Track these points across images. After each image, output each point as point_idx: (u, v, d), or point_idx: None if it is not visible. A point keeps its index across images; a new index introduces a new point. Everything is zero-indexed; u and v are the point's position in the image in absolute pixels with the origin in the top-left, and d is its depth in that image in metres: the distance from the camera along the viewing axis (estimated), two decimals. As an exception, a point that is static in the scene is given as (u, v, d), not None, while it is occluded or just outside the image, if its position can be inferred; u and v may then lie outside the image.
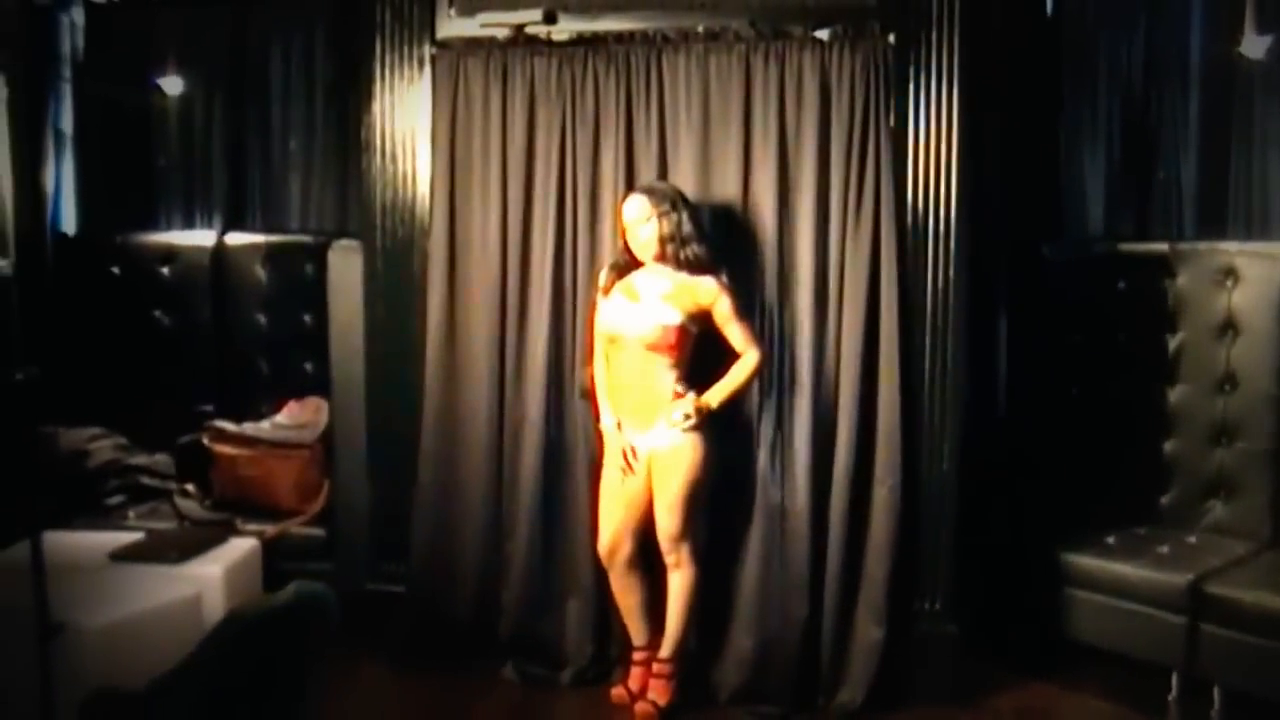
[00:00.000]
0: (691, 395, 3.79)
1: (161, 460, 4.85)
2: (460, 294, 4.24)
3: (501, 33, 4.15)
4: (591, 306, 4.02)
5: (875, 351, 3.94)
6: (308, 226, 5.37)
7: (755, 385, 3.94)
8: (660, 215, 3.79)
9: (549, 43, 4.12)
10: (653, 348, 3.78)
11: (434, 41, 4.22)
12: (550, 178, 4.13)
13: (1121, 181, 4.74)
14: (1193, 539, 4.26)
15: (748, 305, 3.92)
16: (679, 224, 3.79)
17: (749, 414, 4.01)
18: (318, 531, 4.52)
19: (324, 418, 4.67)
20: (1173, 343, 4.40)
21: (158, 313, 5.19)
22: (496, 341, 4.21)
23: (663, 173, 4.05)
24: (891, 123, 3.89)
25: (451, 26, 4.21)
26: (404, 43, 4.24)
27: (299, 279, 4.99)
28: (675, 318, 3.77)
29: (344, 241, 4.45)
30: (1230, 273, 4.28)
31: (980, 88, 3.95)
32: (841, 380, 3.96)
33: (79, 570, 3.87)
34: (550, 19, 4.11)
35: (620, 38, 4.08)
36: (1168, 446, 4.44)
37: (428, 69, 4.23)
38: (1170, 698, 3.93)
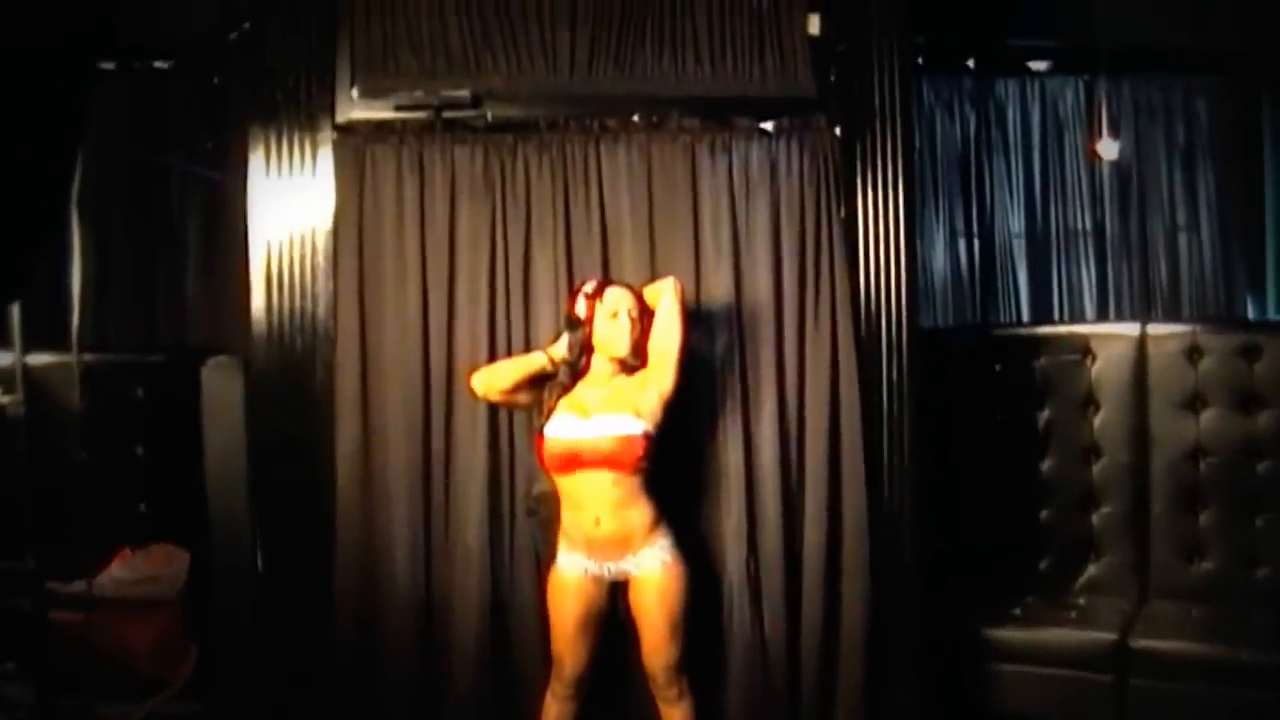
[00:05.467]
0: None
1: (-45, 638, 3.85)
2: (376, 411, 3.72)
3: (416, 117, 3.73)
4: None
5: (838, 447, 3.83)
6: (107, 343, 4.52)
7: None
8: (641, 316, 3.55)
9: (472, 129, 3.75)
10: (618, 464, 3.44)
11: (334, 125, 3.72)
12: (479, 280, 3.73)
13: (967, 271, 5.03)
14: (1081, 600, 4.53)
15: (708, 408, 3.77)
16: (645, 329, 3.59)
17: (719, 523, 3.80)
18: (192, 706, 3.76)
19: (182, 567, 3.91)
20: (1041, 418, 4.70)
21: (-69, 454, 4.15)
22: (421, 463, 3.73)
23: (606, 273, 3.75)
24: (842, 214, 3.87)
25: (354, 109, 3.74)
26: (295, 127, 3.71)
27: (126, 405, 4.16)
28: (638, 426, 3.47)
29: (220, 358, 3.78)
30: (1087, 352, 4.64)
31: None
32: (807, 480, 3.82)
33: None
34: (475, 102, 3.74)
35: (554, 125, 3.78)
36: (1043, 515, 4.71)
37: (324, 157, 3.72)
38: (1103, 754, 4.15)
